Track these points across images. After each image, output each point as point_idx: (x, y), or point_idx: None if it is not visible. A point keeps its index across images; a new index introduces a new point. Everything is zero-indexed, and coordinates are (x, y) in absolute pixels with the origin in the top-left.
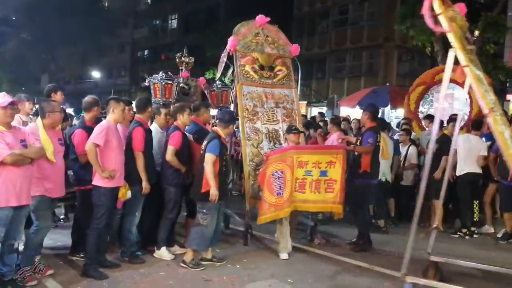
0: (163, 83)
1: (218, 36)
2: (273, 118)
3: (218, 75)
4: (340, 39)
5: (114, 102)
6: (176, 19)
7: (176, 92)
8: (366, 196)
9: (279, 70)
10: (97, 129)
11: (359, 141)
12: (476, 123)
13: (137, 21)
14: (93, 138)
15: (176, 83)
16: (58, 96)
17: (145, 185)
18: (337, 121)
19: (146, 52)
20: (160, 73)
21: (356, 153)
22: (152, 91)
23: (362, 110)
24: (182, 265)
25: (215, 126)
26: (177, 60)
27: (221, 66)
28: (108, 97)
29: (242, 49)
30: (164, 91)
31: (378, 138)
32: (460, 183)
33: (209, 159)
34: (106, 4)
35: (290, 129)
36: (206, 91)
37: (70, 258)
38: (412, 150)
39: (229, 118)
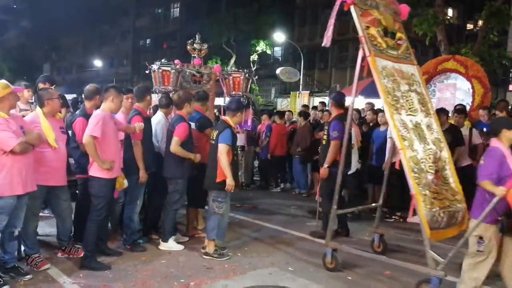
0: (161, 70)
1: (220, 25)
2: (413, 107)
3: (325, 43)
4: (343, 28)
5: (115, 91)
6: (178, 8)
7: (178, 80)
8: (332, 185)
9: (400, 39)
10: (92, 120)
11: (326, 131)
12: None
13: (139, 10)
14: (90, 130)
15: (176, 71)
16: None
17: (142, 174)
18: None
19: (148, 40)
20: (163, 60)
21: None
22: (153, 79)
23: (365, 100)
24: (206, 257)
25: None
26: (188, 47)
27: (329, 31)
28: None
29: (360, 4)
30: (162, 79)
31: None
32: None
33: (223, 149)
34: None
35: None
36: (220, 79)
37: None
38: None
39: (237, 106)
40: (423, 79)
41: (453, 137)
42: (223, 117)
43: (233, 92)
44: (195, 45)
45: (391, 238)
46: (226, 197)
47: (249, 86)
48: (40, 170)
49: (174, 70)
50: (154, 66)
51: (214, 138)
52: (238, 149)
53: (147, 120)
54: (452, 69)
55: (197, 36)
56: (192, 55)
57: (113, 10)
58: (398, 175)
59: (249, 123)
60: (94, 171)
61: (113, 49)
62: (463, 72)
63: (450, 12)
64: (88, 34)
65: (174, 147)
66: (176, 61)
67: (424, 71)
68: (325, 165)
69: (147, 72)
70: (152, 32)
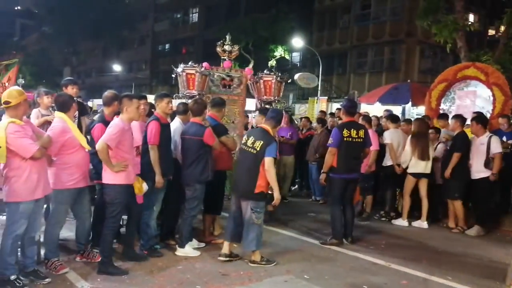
0: (185, 74)
1: (238, 31)
2: None
3: None
4: (362, 34)
5: (127, 100)
6: (197, 13)
7: (205, 84)
8: (334, 191)
9: None
10: (111, 130)
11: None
12: (393, 118)
13: (158, 14)
14: (106, 139)
15: (201, 74)
16: (74, 90)
17: (158, 179)
18: (368, 118)
19: (167, 45)
20: (190, 62)
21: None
22: (179, 83)
23: (383, 107)
24: (253, 265)
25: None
26: (218, 49)
27: None
28: (127, 91)
29: None
30: (187, 83)
31: (348, 133)
32: (386, 174)
33: (272, 163)
34: None
35: None
36: (250, 83)
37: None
38: (441, 147)
39: (280, 119)
40: None
41: (455, 143)
42: (263, 125)
43: (264, 97)
44: (225, 46)
45: None
46: (263, 208)
47: (281, 90)
48: (72, 173)
49: (199, 73)
50: (178, 69)
51: (257, 148)
52: None
53: (164, 126)
54: (472, 76)
55: (227, 37)
56: (222, 57)
57: (133, 15)
58: (392, 177)
59: (289, 130)
60: (107, 178)
61: (132, 53)
62: (483, 80)
63: (471, 17)
64: (107, 39)
65: (219, 146)
66: (205, 64)
67: (443, 78)
68: (322, 171)
69: (173, 75)
70: (171, 37)
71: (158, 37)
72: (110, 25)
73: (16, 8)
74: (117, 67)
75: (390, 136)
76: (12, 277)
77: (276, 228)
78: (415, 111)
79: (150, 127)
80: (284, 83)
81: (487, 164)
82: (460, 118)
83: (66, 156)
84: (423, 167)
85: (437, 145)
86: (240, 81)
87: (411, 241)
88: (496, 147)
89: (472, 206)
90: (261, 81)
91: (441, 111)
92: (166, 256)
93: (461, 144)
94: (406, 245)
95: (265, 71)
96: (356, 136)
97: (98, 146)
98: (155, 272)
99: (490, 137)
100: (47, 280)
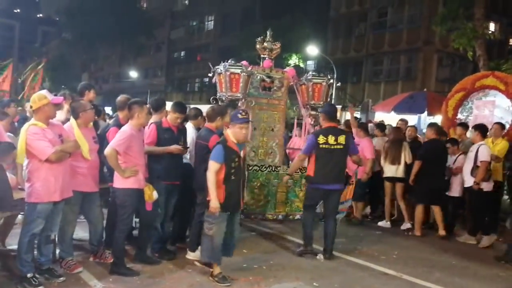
0: (228, 73)
1: (254, 38)
2: None
3: None
4: (378, 42)
5: (138, 107)
6: (212, 21)
7: (248, 86)
8: (307, 199)
9: None
10: (120, 135)
11: None
12: (381, 126)
13: (174, 22)
14: (115, 144)
15: (246, 74)
16: (91, 94)
17: (176, 149)
18: (365, 125)
19: (182, 53)
20: (231, 60)
21: None
22: (217, 85)
23: (398, 117)
24: (211, 278)
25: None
26: (257, 46)
27: None
28: (143, 97)
29: None
30: (230, 84)
31: (325, 139)
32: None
33: (211, 167)
34: (144, 5)
35: None
36: (294, 86)
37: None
38: (461, 159)
39: (234, 116)
40: None
41: (420, 151)
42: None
43: (312, 102)
44: (265, 43)
45: None
46: (217, 219)
47: (329, 94)
48: (75, 177)
49: (244, 73)
50: (220, 68)
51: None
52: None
53: (164, 130)
54: (491, 86)
55: (268, 33)
56: (262, 55)
57: (149, 22)
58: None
59: None
60: (118, 182)
61: (148, 60)
62: (503, 89)
63: (491, 26)
64: (125, 45)
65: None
66: (244, 63)
67: (461, 88)
68: (287, 173)
69: (209, 75)
70: (187, 44)
71: (174, 44)
72: (127, 32)
73: (38, 15)
74: (133, 73)
75: (377, 144)
76: (29, 275)
77: (287, 235)
78: (431, 121)
79: (147, 130)
80: (331, 87)
81: (473, 172)
82: (435, 126)
83: (69, 160)
84: (394, 171)
85: (457, 156)
86: (281, 83)
87: (424, 252)
88: (483, 156)
89: (468, 214)
90: (310, 84)
91: (457, 121)
92: (177, 259)
93: (423, 152)
94: (419, 256)
95: (311, 73)
96: (335, 143)
97: (106, 152)
98: (166, 274)
99: (480, 145)
100: (61, 278)
